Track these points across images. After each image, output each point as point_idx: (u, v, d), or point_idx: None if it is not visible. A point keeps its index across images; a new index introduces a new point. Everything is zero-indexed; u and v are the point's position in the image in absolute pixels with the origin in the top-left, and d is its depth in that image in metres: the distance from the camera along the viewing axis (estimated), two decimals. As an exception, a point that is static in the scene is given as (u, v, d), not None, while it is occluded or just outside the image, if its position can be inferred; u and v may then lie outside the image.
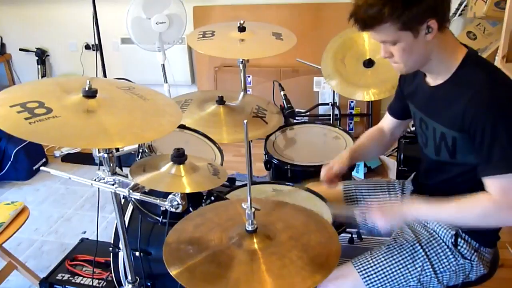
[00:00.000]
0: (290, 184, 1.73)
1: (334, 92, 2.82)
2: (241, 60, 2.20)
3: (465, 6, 3.18)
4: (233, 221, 1.20)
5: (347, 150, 1.63)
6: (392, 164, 3.08)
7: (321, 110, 3.59)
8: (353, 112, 3.66)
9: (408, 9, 1.16)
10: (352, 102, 3.63)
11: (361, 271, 1.39)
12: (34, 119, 1.09)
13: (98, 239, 1.84)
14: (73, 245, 2.35)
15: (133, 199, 1.58)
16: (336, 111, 2.98)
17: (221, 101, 2.02)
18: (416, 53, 1.25)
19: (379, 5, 1.16)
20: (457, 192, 1.31)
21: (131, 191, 1.25)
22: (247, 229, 1.13)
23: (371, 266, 1.40)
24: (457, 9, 3.19)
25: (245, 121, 1.03)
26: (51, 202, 3.05)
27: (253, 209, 1.12)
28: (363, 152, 1.65)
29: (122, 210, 1.41)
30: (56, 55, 4.39)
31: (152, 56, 3.42)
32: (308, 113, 3.26)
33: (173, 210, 1.22)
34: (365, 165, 3.09)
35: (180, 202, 1.21)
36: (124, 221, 1.48)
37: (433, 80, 1.35)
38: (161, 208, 1.45)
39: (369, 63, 2.27)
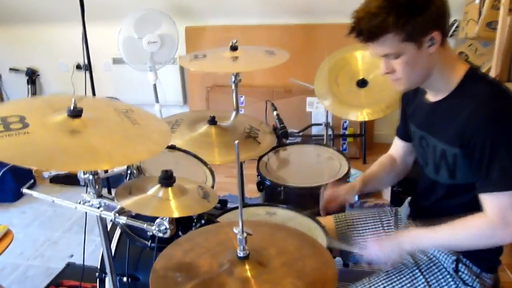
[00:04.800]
0: (284, 206, 1.68)
1: (327, 112, 2.79)
2: (233, 79, 2.17)
3: (457, 27, 3.20)
4: (224, 246, 1.15)
5: (359, 177, 1.60)
6: (386, 184, 3.04)
7: (314, 130, 3.56)
8: (346, 133, 3.64)
9: (413, 18, 1.15)
10: (345, 122, 3.61)
11: (359, 298, 1.34)
12: (5, 133, 1.02)
13: (86, 263, 1.78)
14: (60, 269, 2.28)
15: (120, 223, 1.52)
16: (330, 131, 2.94)
17: (212, 121, 1.97)
18: (419, 67, 1.23)
19: (383, 14, 1.14)
20: (454, 215, 1.27)
21: (117, 214, 1.19)
22: (239, 255, 1.08)
23: None
24: (449, 29, 3.21)
25: (236, 142, 0.98)
26: (38, 224, 2.97)
27: (245, 234, 1.07)
28: (375, 180, 1.60)
29: (108, 234, 1.34)
30: (47, 74, 4.36)
31: (144, 76, 3.39)
32: (301, 134, 3.23)
33: (160, 235, 1.17)
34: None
35: (168, 227, 1.16)
36: (111, 247, 1.42)
37: (433, 97, 1.33)
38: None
39: (362, 83, 2.24)
